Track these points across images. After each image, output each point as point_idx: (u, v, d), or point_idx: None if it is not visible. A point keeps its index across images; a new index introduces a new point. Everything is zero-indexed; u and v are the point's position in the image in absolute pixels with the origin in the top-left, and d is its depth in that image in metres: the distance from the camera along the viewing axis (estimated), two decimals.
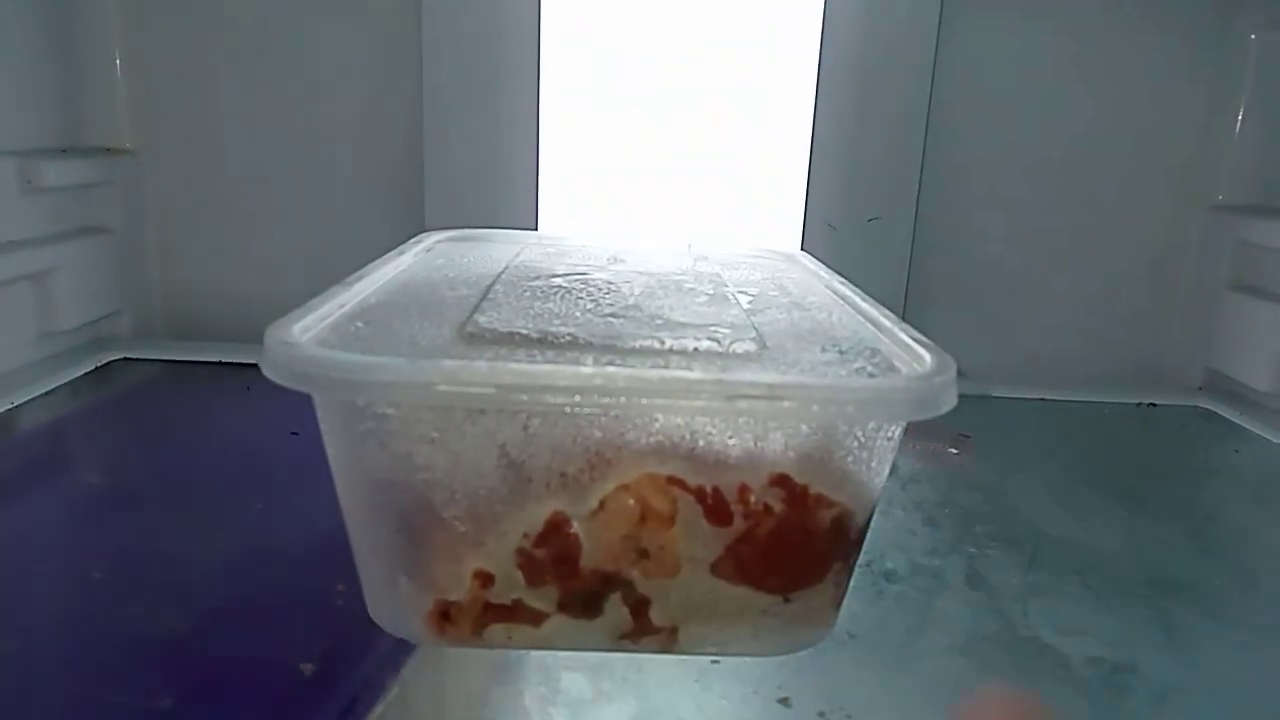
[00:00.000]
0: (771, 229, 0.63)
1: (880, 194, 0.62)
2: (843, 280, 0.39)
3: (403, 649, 0.29)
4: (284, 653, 0.29)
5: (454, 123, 0.61)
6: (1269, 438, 0.54)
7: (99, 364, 0.56)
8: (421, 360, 0.25)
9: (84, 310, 0.57)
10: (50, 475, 0.43)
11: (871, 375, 0.27)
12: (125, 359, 0.58)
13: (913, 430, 0.49)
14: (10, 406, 0.48)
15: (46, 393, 0.51)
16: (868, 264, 0.61)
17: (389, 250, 0.39)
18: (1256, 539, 0.42)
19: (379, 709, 0.27)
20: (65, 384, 0.53)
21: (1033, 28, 0.62)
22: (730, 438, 0.26)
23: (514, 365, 0.25)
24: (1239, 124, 0.63)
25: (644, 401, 0.25)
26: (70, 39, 0.58)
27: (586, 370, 0.25)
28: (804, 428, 0.26)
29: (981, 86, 0.62)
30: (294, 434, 0.46)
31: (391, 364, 0.25)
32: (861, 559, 0.36)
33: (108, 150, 0.61)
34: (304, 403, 0.27)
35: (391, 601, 0.29)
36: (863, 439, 0.27)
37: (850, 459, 0.27)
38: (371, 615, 0.30)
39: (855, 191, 0.62)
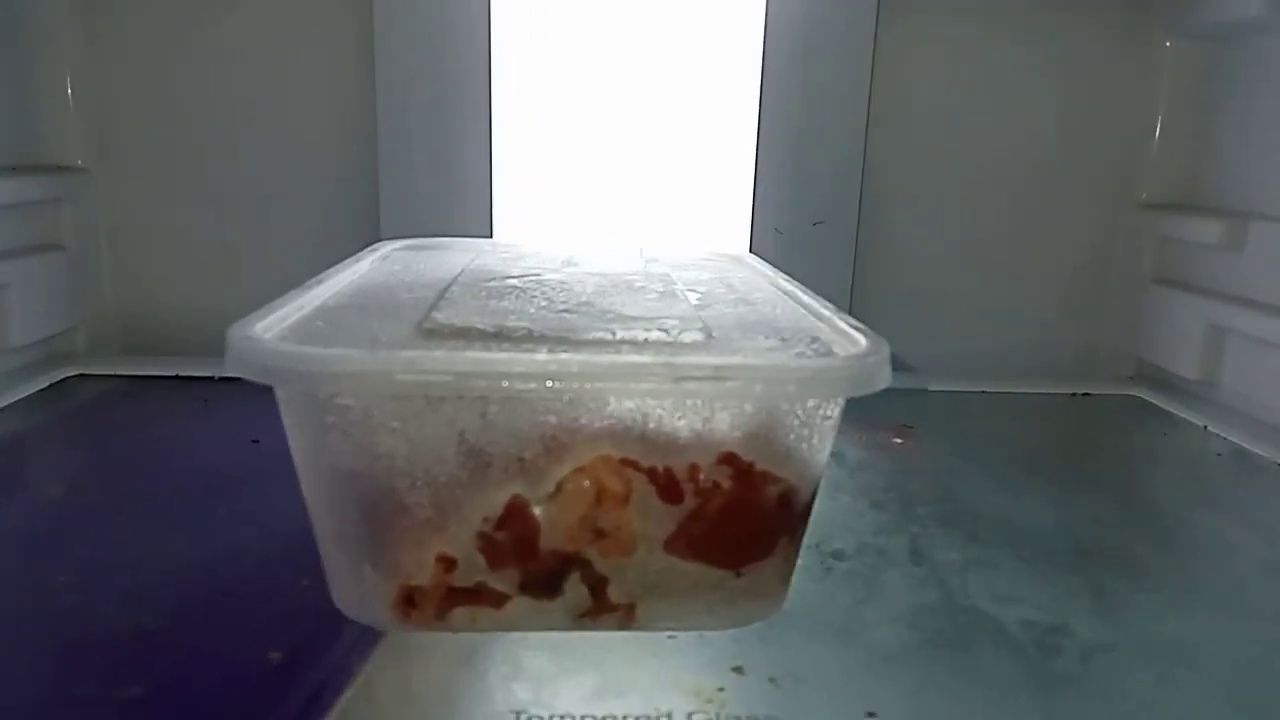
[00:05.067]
0: (720, 234, 0.65)
1: (824, 198, 0.64)
2: (787, 278, 0.40)
3: (369, 636, 0.30)
4: (251, 643, 0.29)
5: (408, 135, 0.62)
6: (1195, 421, 0.57)
7: (54, 380, 0.56)
8: (382, 351, 0.26)
9: (38, 326, 0.57)
10: (9, 488, 0.43)
11: (810, 358, 0.29)
12: (81, 375, 0.58)
13: (858, 421, 0.51)
14: None
15: (1, 409, 0.51)
16: (813, 266, 0.63)
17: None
18: (1181, 512, 0.45)
19: (347, 694, 0.28)
20: (20, 400, 0.53)
21: (965, 36, 0.64)
22: (679, 419, 0.28)
23: (471, 354, 0.26)
24: (1159, 126, 0.66)
25: (597, 385, 0.26)
26: (22, 57, 0.58)
27: (541, 357, 0.26)
28: (748, 407, 0.28)
29: (917, 94, 0.65)
30: (254, 442, 0.47)
31: (353, 355, 0.26)
32: (810, 540, 0.37)
33: (60, 168, 0.61)
34: (263, 412, 0.28)
35: (356, 589, 0.30)
36: (804, 417, 0.28)
37: (793, 436, 0.28)
38: (337, 604, 0.30)
39: (800, 196, 0.64)
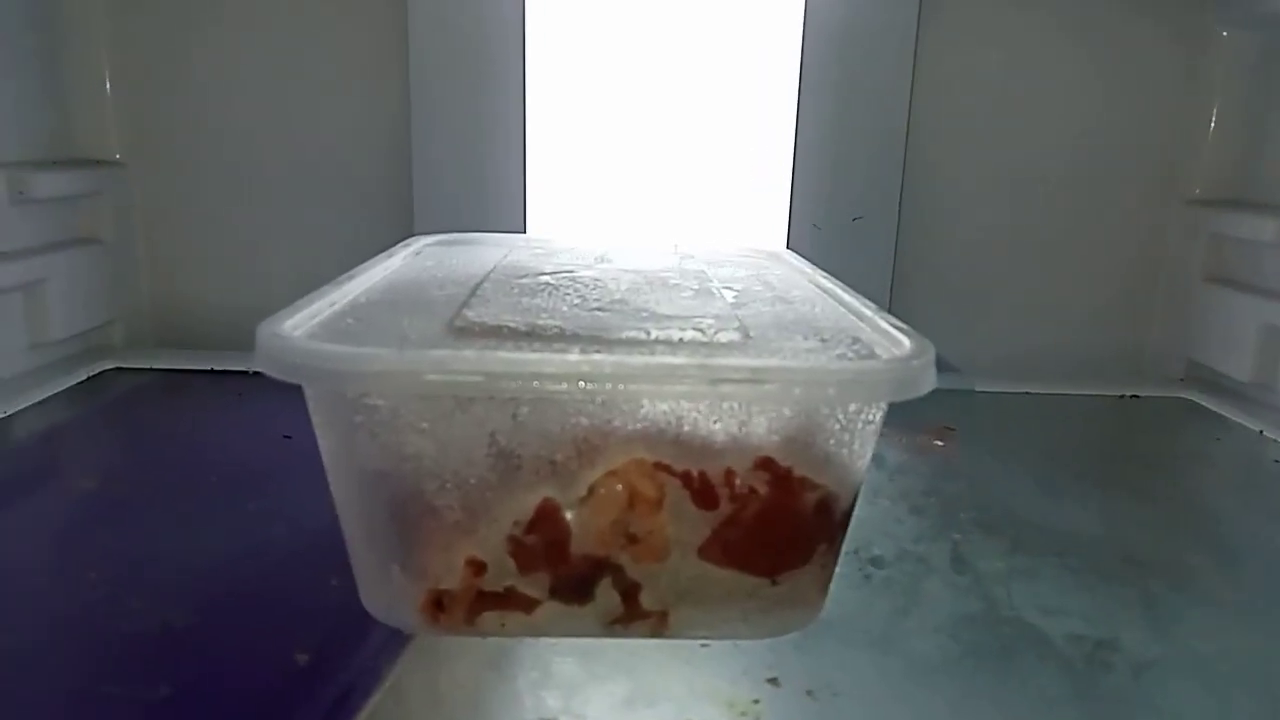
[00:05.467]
0: (757, 231, 0.64)
1: (863, 194, 0.63)
2: (826, 275, 0.39)
3: (397, 639, 0.29)
4: (279, 644, 0.29)
5: (441, 129, 0.61)
6: (1249, 425, 0.55)
7: (91, 373, 0.57)
8: (411, 350, 0.26)
9: (75, 320, 0.58)
10: (44, 481, 0.43)
11: (852, 360, 0.28)
12: (117, 368, 0.58)
13: (898, 423, 0.50)
14: (3, 416, 0.49)
15: (39, 402, 0.51)
16: (852, 263, 0.62)
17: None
18: (1235, 521, 0.43)
19: (375, 698, 0.27)
20: (58, 393, 0.53)
21: (1010, 27, 0.63)
22: (715, 422, 0.27)
23: (501, 354, 0.26)
24: (1214, 119, 0.64)
25: (630, 387, 0.25)
26: (58, 51, 0.59)
27: (573, 358, 0.25)
28: (787, 410, 0.27)
29: (961, 86, 0.63)
30: (286, 437, 0.46)
31: (381, 354, 0.25)
32: (848, 547, 0.36)
33: (97, 162, 0.61)
34: (295, 407, 0.28)
35: (385, 592, 0.29)
36: (844, 421, 0.27)
37: (833, 441, 0.27)
38: (365, 606, 0.30)
39: (839, 191, 0.63)
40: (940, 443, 0.50)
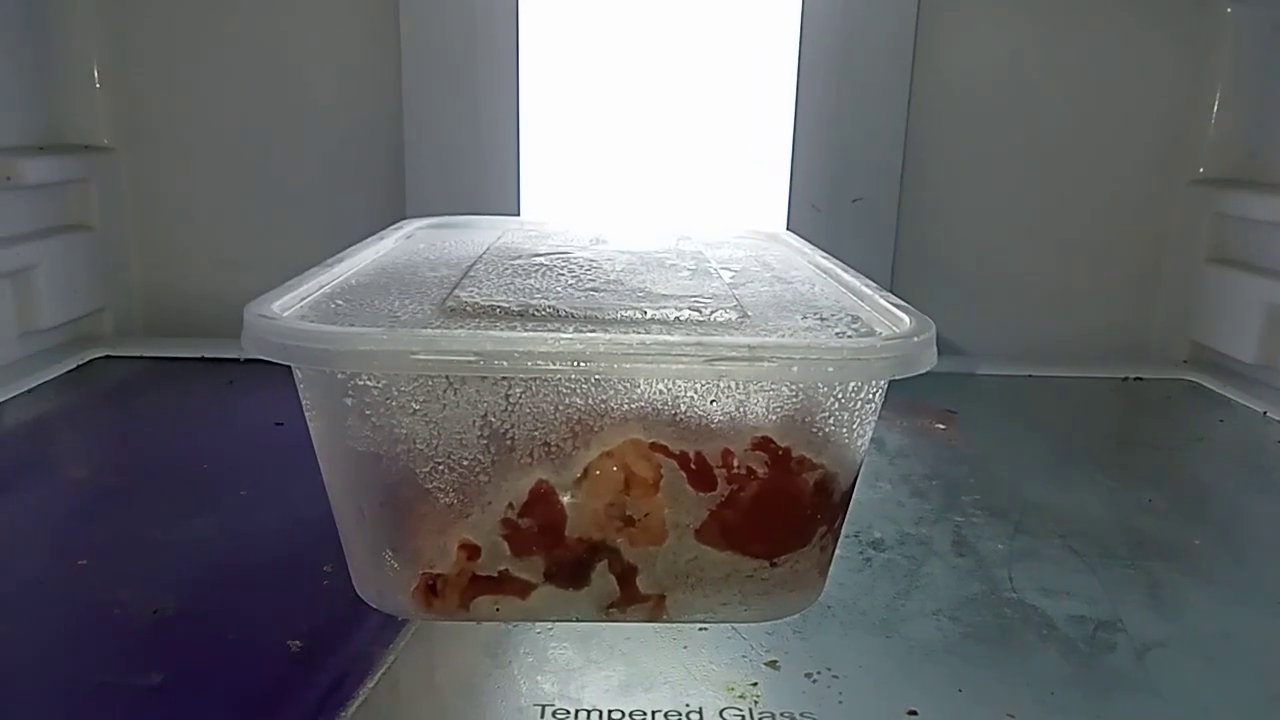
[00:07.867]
0: (757, 212, 0.64)
1: (864, 175, 0.62)
2: (825, 255, 0.39)
3: (391, 625, 0.29)
4: (272, 631, 0.29)
5: (434, 112, 0.60)
6: (1253, 407, 0.54)
7: (81, 362, 0.56)
8: (401, 330, 0.25)
9: (65, 308, 0.57)
10: (35, 469, 0.42)
11: (851, 338, 0.27)
12: (107, 356, 0.58)
13: (899, 406, 0.50)
14: None
15: (29, 390, 0.51)
16: (853, 244, 0.61)
17: None
18: (1239, 503, 0.42)
19: (369, 685, 0.27)
20: (48, 381, 0.53)
21: (1012, 5, 0.62)
22: (712, 402, 0.26)
23: (493, 333, 0.25)
24: (1218, 97, 0.63)
25: (626, 366, 0.25)
26: (48, 37, 0.58)
27: (567, 336, 0.25)
28: (785, 390, 0.26)
29: (962, 65, 0.62)
30: (278, 424, 0.46)
31: (370, 334, 0.25)
32: (849, 529, 0.36)
33: (86, 148, 0.61)
34: (287, 394, 0.28)
35: (378, 577, 0.29)
36: (843, 400, 0.27)
37: (831, 421, 0.27)
38: (358, 592, 0.30)
39: (839, 173, 0.62)
40: (942, 426, 0.49)
